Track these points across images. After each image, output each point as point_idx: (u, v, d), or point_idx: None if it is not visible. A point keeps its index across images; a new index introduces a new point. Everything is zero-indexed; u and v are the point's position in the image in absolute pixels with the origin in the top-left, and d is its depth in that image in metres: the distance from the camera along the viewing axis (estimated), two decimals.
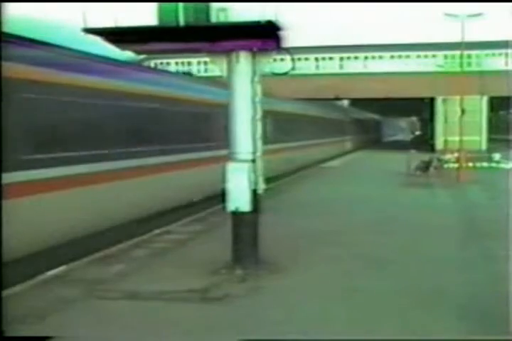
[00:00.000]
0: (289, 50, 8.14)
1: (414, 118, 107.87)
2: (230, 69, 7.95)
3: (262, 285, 7.43)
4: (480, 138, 45.93)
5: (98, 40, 7.67)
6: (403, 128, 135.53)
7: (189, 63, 47.76)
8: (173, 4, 7.28)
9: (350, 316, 6.29)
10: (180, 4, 7.25)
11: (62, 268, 8.38)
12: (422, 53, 48.19)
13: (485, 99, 45.90)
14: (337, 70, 48.49)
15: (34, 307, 6.51)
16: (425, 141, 54.69)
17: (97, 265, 8.65)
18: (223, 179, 7.92)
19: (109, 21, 7.31)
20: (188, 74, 20.32)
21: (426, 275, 7.97)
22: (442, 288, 7.26)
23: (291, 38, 7.76)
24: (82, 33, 7.41)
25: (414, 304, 6.63)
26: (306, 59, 46.94)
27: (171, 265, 8.65)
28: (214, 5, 7.35)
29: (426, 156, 25.75)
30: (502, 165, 25.31)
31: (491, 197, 16.03)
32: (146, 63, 33.63)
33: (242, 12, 7.25)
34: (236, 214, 7.99)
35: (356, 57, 48.85)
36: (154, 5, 7.35)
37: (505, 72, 38.78)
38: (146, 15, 7.32)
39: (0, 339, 4.61)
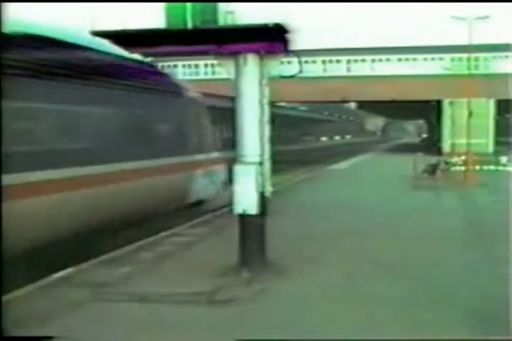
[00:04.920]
0: (296, 53, 8.14)
1: (421, 121, 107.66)
2: (238, 72, 7.96)
3: (269, 288, 7.41)
4: (487, 141, 45.83)
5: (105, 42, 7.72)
6: (410, 131, 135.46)
7: (196, 66, 47.88)
8: (180, 7, 7.31)
9: (355, 319, 6.27)
10: (188, 7, 7.28)
11: (69, 270, 8.39)
12: (429, 56, 48.13)
13: (492, 102, 45.80)
14: (344, 73, 48.50)
15: (40, 309, 6.52)
16: (432, 144, 54.51)
17: (103, 267, 8.66)
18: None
19: (116, 23, 7.34)
20: None
21: (429, 275, 7.97)
22: (449, 289, 7.26)
23: (298, 40, 7.78)
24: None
25: (417, 303, 6.64)
26: (314, 62, 46.93)
27: (177, 267, 8.66)
28: (221, 8, 7.37)
29: (433, 159, 25.67)
30: (509, 168, 25.19)
31: (497, 200, 15.94)
32: None
33: (250, 15, 7.27)
34: (243, 217, 7.99)
35: (363, 60, 48.85)
36: (162, 7, 7.38)
37: None
38: (154, 18, 7.35)
39: (1, 339, 4.61)
